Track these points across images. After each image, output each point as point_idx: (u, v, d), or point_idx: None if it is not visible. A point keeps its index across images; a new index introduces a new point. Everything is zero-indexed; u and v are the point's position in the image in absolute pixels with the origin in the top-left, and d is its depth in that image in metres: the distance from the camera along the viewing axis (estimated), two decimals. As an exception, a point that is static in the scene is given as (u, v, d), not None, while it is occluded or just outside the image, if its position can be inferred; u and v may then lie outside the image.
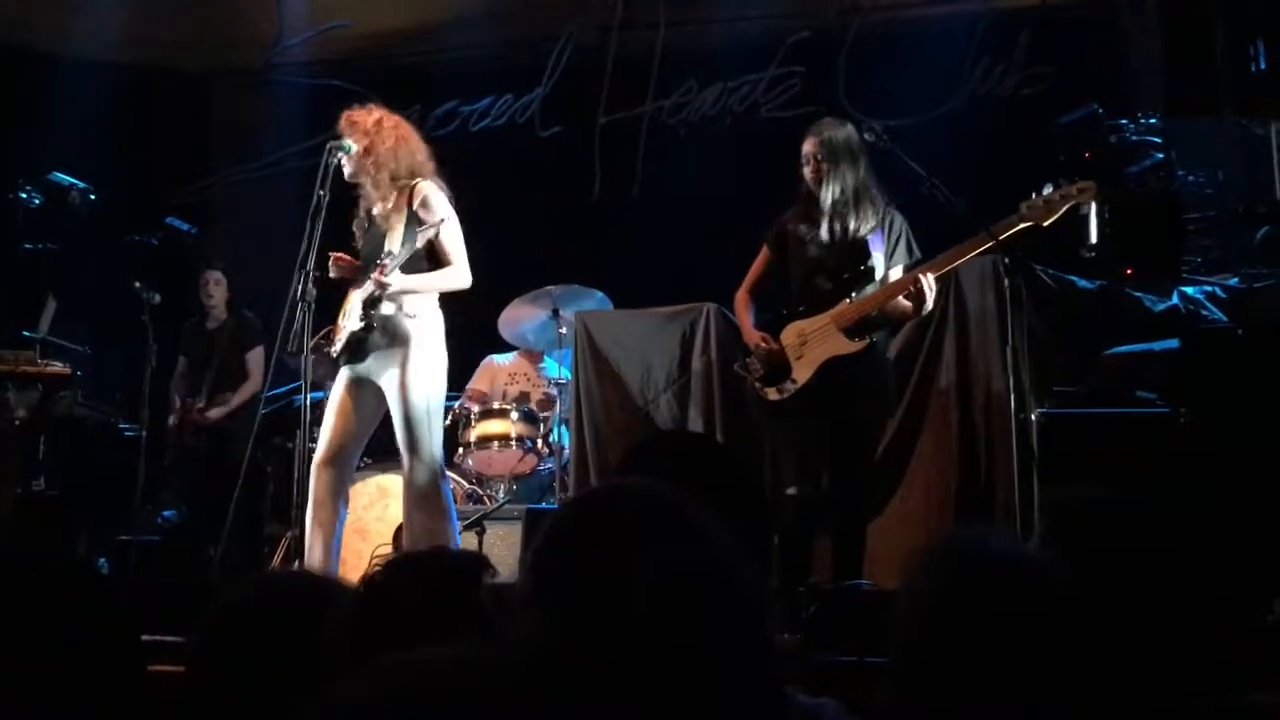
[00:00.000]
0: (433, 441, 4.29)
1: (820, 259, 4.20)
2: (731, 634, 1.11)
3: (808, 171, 4.23)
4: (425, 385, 4.29)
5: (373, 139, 4.33)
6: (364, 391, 4.37)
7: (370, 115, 4.38)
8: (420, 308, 4.32)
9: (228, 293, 6.43)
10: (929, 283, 3.98)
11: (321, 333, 4.46)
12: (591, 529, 1.18)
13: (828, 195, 4.17)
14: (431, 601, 1.45)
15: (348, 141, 4.30)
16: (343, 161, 4.33)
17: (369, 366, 4.34)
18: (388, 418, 4.50)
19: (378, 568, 1.62)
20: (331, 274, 4.38)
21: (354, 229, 4.51)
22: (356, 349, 4.35)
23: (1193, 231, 4.65)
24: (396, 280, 4.19)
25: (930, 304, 4.07)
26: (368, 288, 4.26)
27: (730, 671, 1.10)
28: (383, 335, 4.29)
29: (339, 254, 4.43)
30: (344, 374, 4.40)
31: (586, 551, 1.15)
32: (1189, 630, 1.81)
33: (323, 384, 4.70)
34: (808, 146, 4.23)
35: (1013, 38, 6.53)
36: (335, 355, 4.39)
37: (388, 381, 4.29)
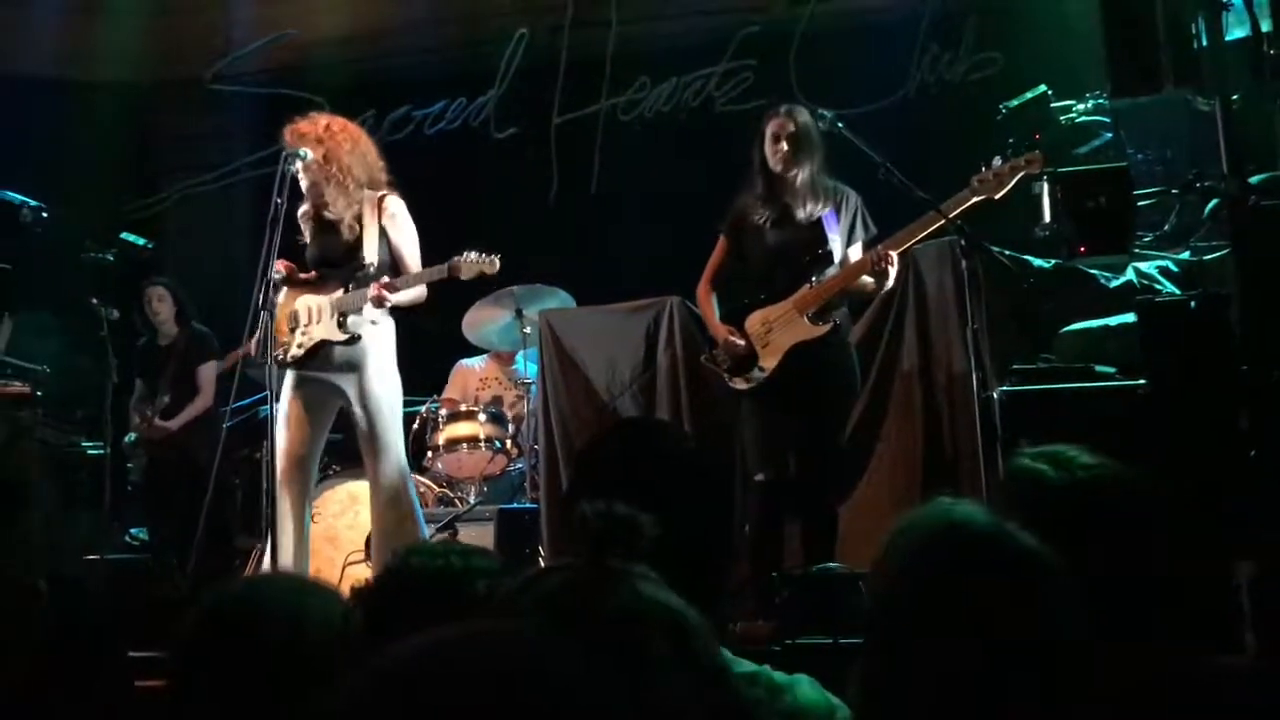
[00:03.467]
0: (398, 441, 4.35)
1: (779, 245, 4.22)
2: None
3: (776, 150, 4.17)
4: (388, 387, 4.34)
5: (328, 145, 4.31)
6: (320, 398, 4.35)
7: (317, 123, 4.36)
8: (379, 314, 4.34)
9: (175, 305, 6.13)
10: (893, 260, 4.02)
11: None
12: None
13: (798, 176, 4.17)
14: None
15: (303, 149, 4.29)
16: (299, 171, 4.31)
17: (326, 373, 4.33)
18: (344, 424, 4.50)
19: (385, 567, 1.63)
20: (275, 278, 4.25)
21: (302, 227, 4.46)
22: (313, 355, 4.33)
23: (1143, 208, 4.71)
24: (395, 296, 4.22)
25: (892, 280, 4.11)
26: (353, 297, 4.25)
27: None
28: (345, 342, 4.30)
29: (286, 262, 4.39)
30: (293, 382, 4.35)
31: None
32: (1155, 596, 1.85)
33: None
34: (777, 126, 4.18)
35: (959, 24, 6.62)
36: (291, 360, 4.33)
37: (350, 387, 4.30)
